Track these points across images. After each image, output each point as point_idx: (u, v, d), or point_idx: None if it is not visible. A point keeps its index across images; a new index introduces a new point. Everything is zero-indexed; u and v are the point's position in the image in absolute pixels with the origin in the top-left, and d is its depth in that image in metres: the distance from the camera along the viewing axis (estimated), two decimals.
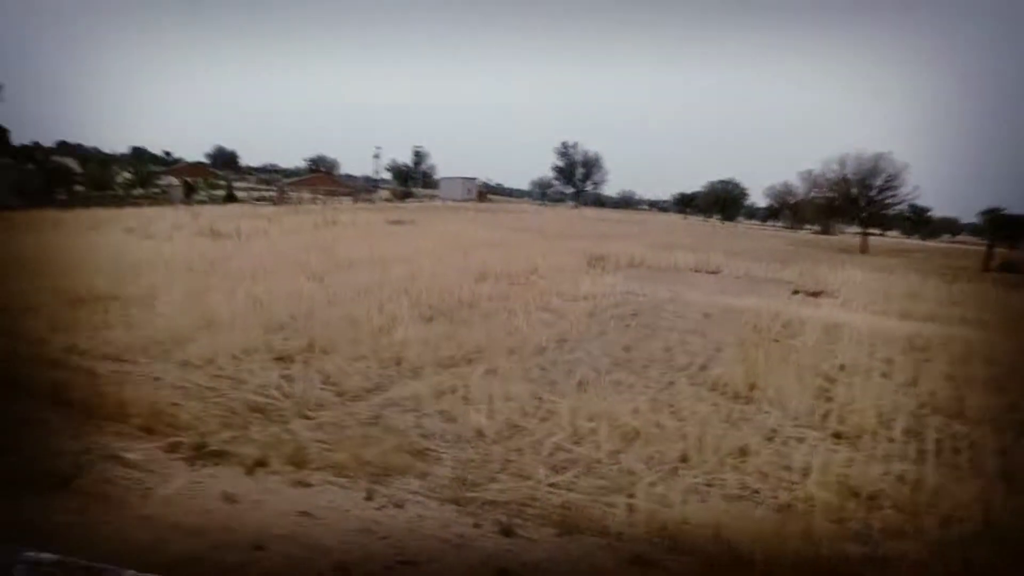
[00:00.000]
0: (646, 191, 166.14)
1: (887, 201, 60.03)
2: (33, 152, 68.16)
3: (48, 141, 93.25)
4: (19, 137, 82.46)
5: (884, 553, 6.71)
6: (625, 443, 8.92)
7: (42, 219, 29.16)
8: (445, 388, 10.43)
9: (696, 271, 30.53)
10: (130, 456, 7.25)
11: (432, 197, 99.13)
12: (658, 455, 8.59)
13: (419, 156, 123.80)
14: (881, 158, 58.37)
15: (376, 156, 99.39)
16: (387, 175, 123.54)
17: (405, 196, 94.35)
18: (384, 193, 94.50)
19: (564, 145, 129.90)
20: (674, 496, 7.45)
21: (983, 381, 13.56)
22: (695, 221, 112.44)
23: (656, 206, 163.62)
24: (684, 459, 8.58)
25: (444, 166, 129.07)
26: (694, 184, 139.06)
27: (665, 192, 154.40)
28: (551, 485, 7.62)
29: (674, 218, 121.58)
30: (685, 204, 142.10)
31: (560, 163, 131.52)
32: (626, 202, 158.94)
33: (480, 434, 8.92)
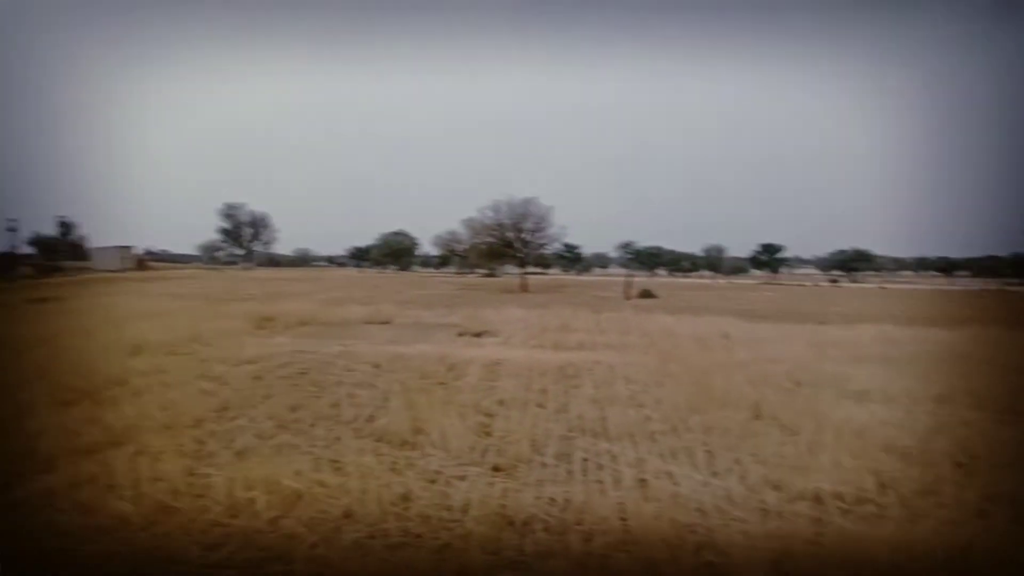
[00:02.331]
0: (321, 247, 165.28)
1: (539, 242, 64.91)
2: None
3: None
4: None
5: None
6: (287, 507, 8.66)
7: None
8: (82, 478, 9.50)
9: (368, 323, 30.65)
10: None
11: (86, 269, 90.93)
12: (321, 515, 8.44)
13: (66, 226, 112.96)
14: (530, 203, 63.18)
15: (12, 229, 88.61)
16: (29, 248, 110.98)
17: (50, 272, 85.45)
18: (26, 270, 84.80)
19: (228, 206, 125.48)
20: (334, 554, 7.34)
21: (624, 399, 14.98)
22: (371, 274, 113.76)
23: (334, 261, 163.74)
24: (347, 515, 8.51)
25: (103, 235, 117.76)
26: (367, 237, 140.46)
27: (340, 247, 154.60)
28: (205, 565, 7.19)
29: (350, 272, 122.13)
30: (360, 257, 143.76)
31: (226, 225, 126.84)
32: (303, 259, 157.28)
33: (125, 521, 8.21)
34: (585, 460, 10.85)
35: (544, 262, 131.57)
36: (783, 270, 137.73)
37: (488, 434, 12.06)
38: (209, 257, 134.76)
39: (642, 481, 9.89)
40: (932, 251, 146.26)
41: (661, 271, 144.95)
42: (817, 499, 9.29)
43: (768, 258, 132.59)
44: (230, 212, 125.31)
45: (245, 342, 22.49)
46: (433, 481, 9.80)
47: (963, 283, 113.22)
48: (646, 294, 53.24)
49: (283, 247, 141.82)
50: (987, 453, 11.36)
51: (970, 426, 13.18)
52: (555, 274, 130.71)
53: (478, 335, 25.97)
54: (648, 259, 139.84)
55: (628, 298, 50.74)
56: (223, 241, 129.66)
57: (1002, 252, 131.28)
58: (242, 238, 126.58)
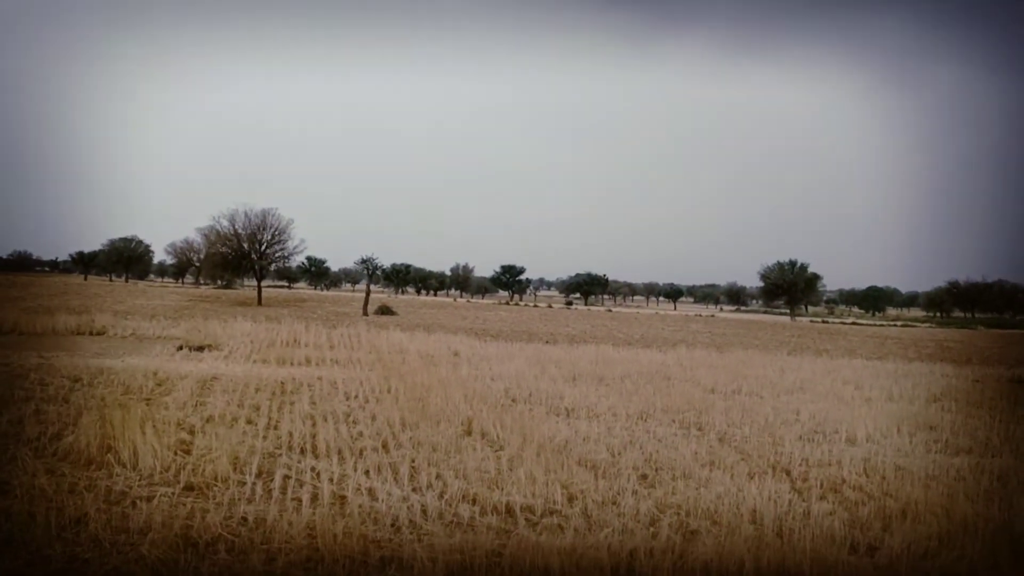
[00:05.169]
0: (43, 251, 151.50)
1: (277, 253, 63.00)
2: None
3: None
4: None
5: None
6: None
7: None
8: None
9: (78, 334, 28.40)
10: None
11: None
12: None
13: None
14: (269, 213, 61.24)
15: None
16: None
17: None
18: None
19: None
20: None
21: (340, 415, 14.86)
22: (97, 281, 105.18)
23: (57, 267, 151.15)
24: (7, 542, 7.75)
25: None
26: (95, 242, 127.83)
27: (63, 251, 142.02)
28: None
29: (74, 279, 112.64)
30: (86, 264, 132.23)
31: None
32: (21, 263, 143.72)
33: None
34: (287, 478, 10.61)
35: (289, 275, 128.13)
36: (528, 291, 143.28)
37: (187, 452, 11.49)
38: None
39: (341, 498, 9.82)
40: (664, 279, 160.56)
41: (410, 289, 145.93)
42: (508, 511, 9.67)
43: (509, 279, 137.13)
44: None
45: None
46: (116, 503, 9.18)
47: (685, 309, 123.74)
48: (385, 310, 53.44)
49: None
50: (670, 465, 12.39)
51: (661, 441, 14.31)
52: (299, 288, 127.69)
53: (199, 349, 24.77)
54: (395, 276, 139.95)
55: (366, 314, 50.56)
56: None
57: (720, 282, 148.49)
58: None
